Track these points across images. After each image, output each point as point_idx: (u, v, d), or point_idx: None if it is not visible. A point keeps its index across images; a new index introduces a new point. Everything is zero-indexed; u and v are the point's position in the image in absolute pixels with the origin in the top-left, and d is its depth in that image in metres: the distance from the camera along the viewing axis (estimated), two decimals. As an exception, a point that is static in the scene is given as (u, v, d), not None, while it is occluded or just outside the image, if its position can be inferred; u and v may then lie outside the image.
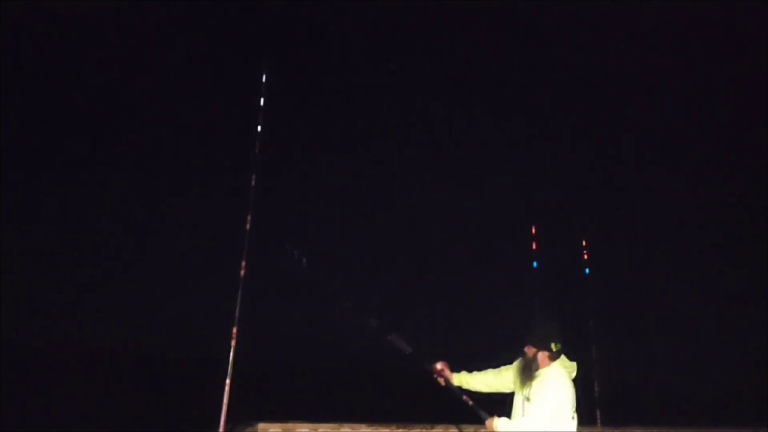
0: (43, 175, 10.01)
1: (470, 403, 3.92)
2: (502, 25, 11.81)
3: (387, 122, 12.21)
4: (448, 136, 12.66)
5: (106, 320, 9.78)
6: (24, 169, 9.66)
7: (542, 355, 3.68)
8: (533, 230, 8.52)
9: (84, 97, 10.19)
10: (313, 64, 11.31)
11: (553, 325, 3.81)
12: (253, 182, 4.76)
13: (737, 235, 12.67)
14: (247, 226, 4.63)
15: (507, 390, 3.92)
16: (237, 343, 4.40)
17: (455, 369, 4.13)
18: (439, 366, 4.11)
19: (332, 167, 11.83)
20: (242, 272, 4.55)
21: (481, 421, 3.80)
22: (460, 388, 4.03)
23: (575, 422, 3.64)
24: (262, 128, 4.88)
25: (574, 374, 3.80)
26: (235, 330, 4.42)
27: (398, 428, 5.66)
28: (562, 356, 3.74)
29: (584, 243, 8.58)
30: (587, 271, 8.42)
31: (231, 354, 4.38)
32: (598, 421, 7.29)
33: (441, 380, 4.08)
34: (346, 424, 5.49)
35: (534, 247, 8.40)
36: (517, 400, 3.77)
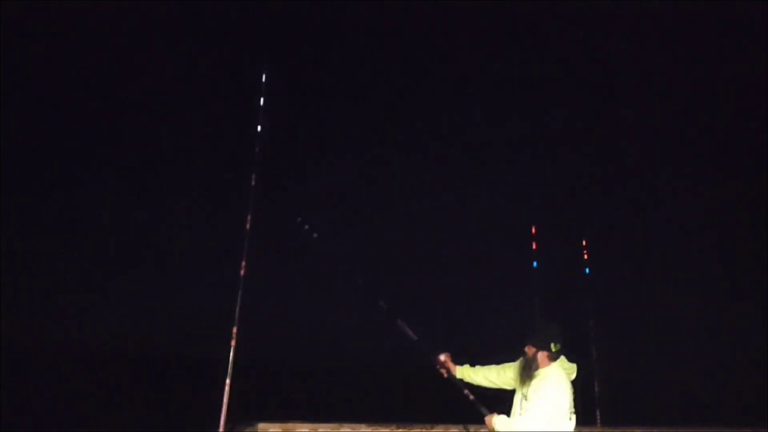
0: (43, 174, 10.01)
1: (471, 397, 3.97)
2: (503, 26, 11.82)
3: (387, 122, 12.21)
4: (449, 137, 12.67)
5: (106, 320, 9.78)
6: (24, 169, 9.66)
7: (542, 355, 3.71)
8: (533, 230, 8.52)
9: (84, 97, 10.19)
10: (313, 64, 11.32)
11: (553, 325, 3.84)
12: (253, 182, 4.75)
13: (737, 235, 12.68)
14: (247, 226, 4.63)
15: (508, 387, 3.95)
16: (237, 343, 4.39)
17: (457, 364, 4.16)
18: (442, 357, 4.16)
19: (332, 167, 11.84)
20: (242, 272, 4.54)
21: (480, 421, 3.83)
22: (461, 380, 4.06)
23: (573, 423, 3.67)
24: (262, 128, 4.88)
25: (573, 375, 3.83)
26: (235, 330, 4.42)
27: (398, 428, 5.66)
28: (562, 357, 3.77)
29: (584, 243, 8.58)
30: (587, 271, 8.43)
31: (231, 354, 4.38)
32: (598, 421, 7.30)
33: (443, 371, 4.13)
34: (346, 424, 5.49)
35: (534, 247, 8.40)
36: (516, 399, 3.82)
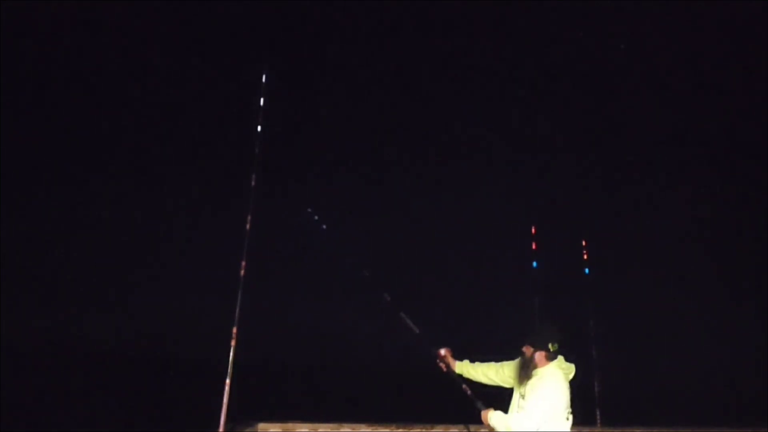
0: (43, 175, 10.02)
1: (469, 392, 3.99)
2: (503, 26, 11.82)
3: (388, 122, 12.22)
4: (449, 137, 12.67)
5: (106, 320, 9.79)
6: (24, 170, 9.66)
7: (539, 355, 3.73)
8: (533, 230, 8.52)
9: (84, 98, 10.20)
10: (313, 64, 11.32)
11: (551, 325, 3.85)
12: (253, 182, 4.75)
13: (737, 235, 12.68)
14: (247, 226, 4.63)
15: (506, 385, 3.96)
16: (237, 343, 4.39)
17: (457, 360, 4.18)
18: (442, 351, 4.19)
19: (333, 167, 11.84)
20: (242, 272, 4.54)
21: (479, 421, 3.84)
22: (460, 376, 4.08)
23: (570, 423, 3.68)
24: (262, 128, 4.88)
25: (571, 375, 3.83)
26: (235, 330, 4.41)
27: (398, 428, 5.66)
28: (560, 357, 3.78)
29: (584, 243, 8.57)
30: (587, 271, 8.42)
31: (231, 354, 4.37)
32: (598, 421, 7.29)
33: (443, 366, 4.15)
34: (346, 424, 5.49)
35: (534, 247, 8.40)
36: (514, 398, 3.84)
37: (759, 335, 11.04)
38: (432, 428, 5.78)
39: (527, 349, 3.77)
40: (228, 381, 4.29)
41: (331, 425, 5.45)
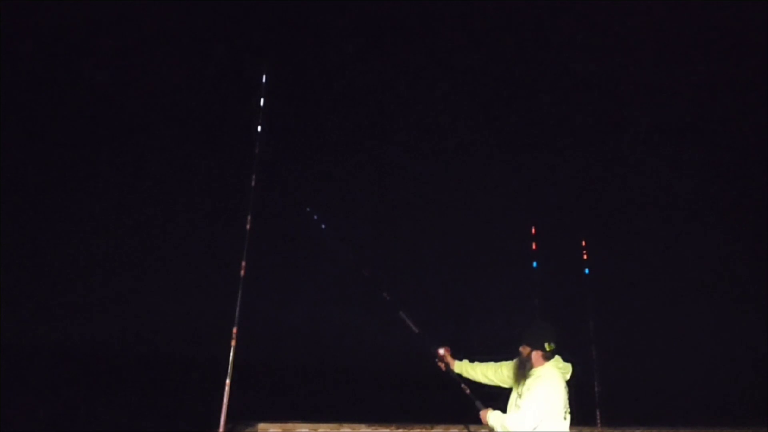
0: (44, 175, 10.02)
1: (467, 391, 4.01)
2: (504, 27, 11.82)
3: (388, 122, 12.22)
4: (449, 137, 12.67)
5: (106, 321, 9.79)
6: (24, 171, 9.66)
7: (536, 355, 3.75)
8: (533, 230, 8.52)
9: (84, 98, 10.20)
10: (313, 64, 11.32)
11: (547, 325, 3.87)
12: (253, 182, 4.74)
13: (737, 235, 12.68)
14: (247, 226, 4.62)
15: (505, 385, 3.98)
16: (237, 343, 4.39)
17: (456, 359, 4.20)
18: (442, 351, 4.22)
19: (332, 167, 11.84)
20: (242, 272, 4.54)
21: (479, 421, 3.85)
22: (459, 375, 4.10)
23: (567, 422, 3.69)
24: (262, 128, 4.87)
25: (568, 375, 3.85)
26: (235, 330, 4.41)
27: (398, 428, 5.66)
28: (557, 357, 3.79)
29: (584, 243, 8.57)
30: (587, 271, 8.42)
31: (231, 354, 4.37)
32: (598, 421, 7.29)
33: (442, 365, 4.17)
34: (346, 424, 5.49)
35: (534, 247, 8.40)
36: (512, 397, 3.86)
37: (759, 335, 11.04)
38: (432, 428, 5.78)
39: (524, 349, 3.80)
40: (228, 381, 4.29)
41: (331, 425, 5.45)
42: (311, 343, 10.68)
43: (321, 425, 5.42)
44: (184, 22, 10.45)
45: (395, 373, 9.77)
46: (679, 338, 11.70)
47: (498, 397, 3.94)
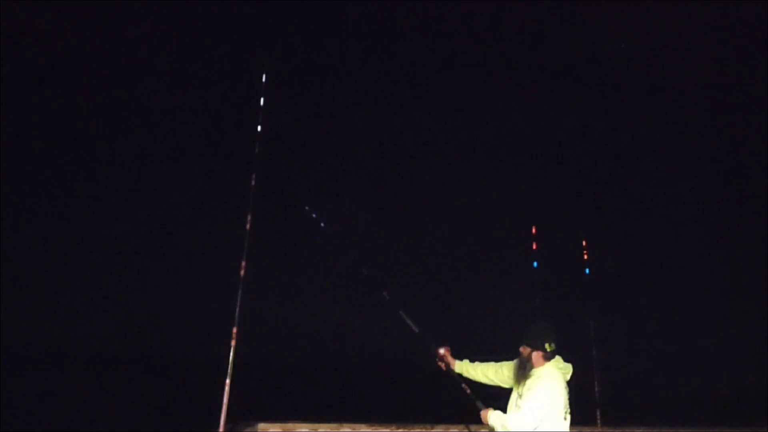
0: (43, 174, 10.01)
1: (468, 391, 4.03)
2: (504, 26, 11.82)
3: (388, 122, 12.22)
4: (449, 136, 12.67)
5: (106, 320, 9.78)
6: (24, 169, 9.66)
7: (536, 355, 3.76)
8: (533, 230, 8.52)
9: (83, 98, 10.19)
10: (313, 63, 11.32)
11: (547, 326, 3.89)
12: (253, 182, 4.74)
13: (737, 234, 12.68)
14: (247, 226, 4.62)
15: (505, 385, 3.99)
16: (237, 343, 4.39)
17: (456, 359, 4.20)
18: (442, 350, 4.22)
19: (332, 167, 11.84)
20: (242, 272, 4.54)
21: (479, 421, 3.86)
22: (460, 375, 4.10)
23: (567, 423, 3.70)
24: (262, 128, 4.87)
25: (569, 376, 3.86)
26: (235, 330, 4.41)
27: (398, 428, 5.66)
28: (558, 357, 3.80)
29: (584, 243, 8.57)
30: (587, 271, 8.42)
31: (231, 354, 4.37)
32: (598, 421, 7.29)
33: (442, 365, 4.18)
34: (346, 424, 5.49)
35: (534, 247, 8.40)
36: (512, 398, 3.88)
37: (760, 335, 11.04)
38: (432, 428, 5.78)
39: (524, 350, 3.81)
40: (228, 381, 4.29)
41: (331, 425, 5.45)
42: (311, 343, 10.68)
43: (321, 425, 5.42)
44: (183, 21, 10.45)
45: (395, 373, 9.77)
46: (680, 338, 11.71)
47: (498, 398, 3.95)
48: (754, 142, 12.06)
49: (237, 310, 4.43)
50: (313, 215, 4.57)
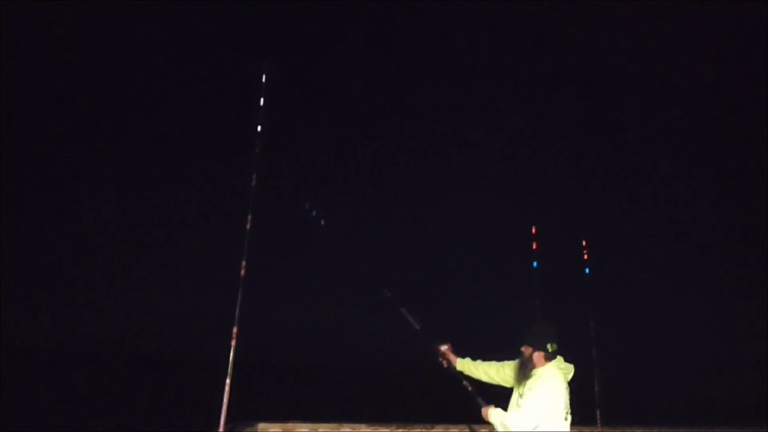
0: (44, 175, 10.01)
1: (469, 388, 4.02)
2: (504, 27, 11.82)
3: (388, 121, 12.21)
4: (450, 136, 12.67)
5: (106, 320, 9.79)
6: (25, 169, 9.66)
7: (538, 355, 3.75)
8: (533, 230, 8.50)
9: (84, 98, 10.19)
10: (313, 63, 11.31)
11: (549, 326, 3.87)
12: (253, 182, 4.73)
13: (737, 235, 12.68)
14: (248, 226, 4.61)
15: (506, 385, 3.98)
16: (237, 343, 4.38)
17: (458, 357, 4.20)
18: (443, 348, 4.20)
19: (332, 166, 11.83)
20: (242, 272, 4.53)
21: (479, 419, 3.86)
22: (461, 373, 4.10)
23: (568, 423, 3.70)
24: (262, 128, 4.86)
25: (570, 376, 3.85)
26: (235, 330, 4.41)
27: (398, 428, 5.65)
28: (559, 357, 3.79)
29: (584, 243, 8.55)
30: (587, 271, 8.40)
31: (231, 354, 4.37)
32: (598, 421, 7.28)
33: (444, 362, 4.16)
34: (346, 424, 5.48)
35: (534, 247, 8.38)
36: (513, 397, 3.87)
37: (759, 336, 11.03)
38: (432, 428, 5.77)
39: (526, 349, 3.80)
40: (228, 381, 4.28)
41: (331, 425, 5.44)
42: (311, 343, 10.68)
43: (321, 425, 5.41)
44: (184, 22, 10.45)
45: (395, 373, 9.77)
46: (680, 338, 11.71)
47: (499, 396, 3.95)
48: (754, 142, 12.06)
49: (237, 310, 4.42)
50: (313, 212, 4.54)
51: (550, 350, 3.73)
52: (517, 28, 11.91)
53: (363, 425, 5.54)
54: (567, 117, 12.48)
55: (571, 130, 12.56)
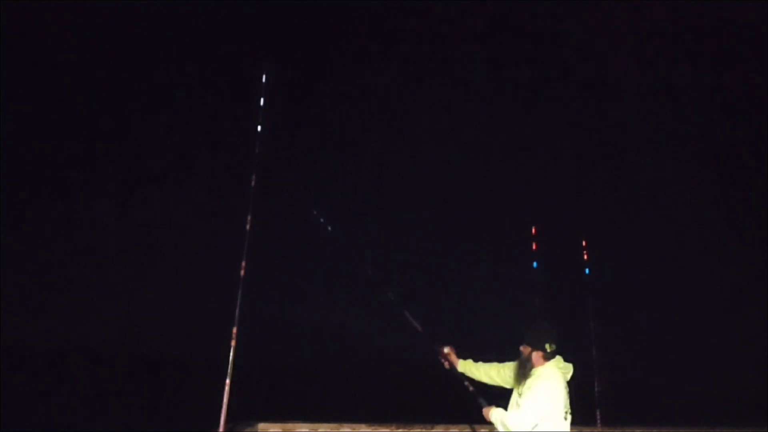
0: (44, 175, 10.02)
1: (471, 389, 4.04)
2: (504, 28, 11.82)
3: (389, 122, 12.22)
4: (449, 137, 12.67)
5: (106, 321, 9.79)
6: (25, 170, 9.67)
7: (536, 355, 3.76)
8: (533, 230, 8.50)
9: (85, 98, 10.20)
10: (313, 63, 11.32)
11: (548, 325, 3.88)
12: (253, 182, 4.74)
13: (737, 236, 12.68)
14: (247, 226, 4.62)
15: (507, 385, 4.00)
16: (237, 343, 4.39)
17: (460, 358, 4.23)
18: (446, 349, 4.23)
19: (333, 168, 11.84)
20: (242, 272, 4.54)
21: (480, 419, 3.87)
22: (463, 374, 4.12)
23: (568, 422, 3.70)
24: (262, 128, 4.87)
25: (569, 376, 3.86)
26: (235, 330, 4.41)
27: (398, 428, 5.66)
28: (558, 357, 3.80)
29: (584, 243, 8.56)
30: (587, 271, 8.41)
31: (231, 354, 4.37)
32: (598, 421, 7.29)
33: (446, 363, 4.19)
34: (346, 424, 5.49)
35: (534, 247, 8.38)
36: (513, 397, 3.88)
37: (759, 336, 11.04)
38: (432, 428, 5.78)
39: (524, 349, 3.81)
40: (228, 381, 4.29)
41: (331, 425, 5.45)
42: (311, 343, 10.69)
43: (321, 425, 5.42)
44: (184, 22, 10.45)
45: (395, 373, 9.78)
46: (680, 338, 11.71)
47: (501, 397, 3.96)
48: (754, 143, 12.06)
49: (237, 310, 4.42)
50: (321, 219, 4.57)
51: (548, 350, 3.74)
52: (517, 29, 11.91)
53: (363, 425, 5.54)
54: (567, 117, 12.49)
55: (571, 130, 12.57)
